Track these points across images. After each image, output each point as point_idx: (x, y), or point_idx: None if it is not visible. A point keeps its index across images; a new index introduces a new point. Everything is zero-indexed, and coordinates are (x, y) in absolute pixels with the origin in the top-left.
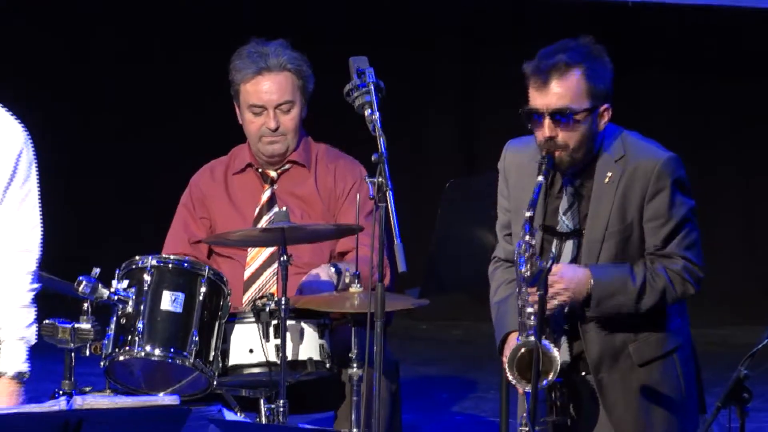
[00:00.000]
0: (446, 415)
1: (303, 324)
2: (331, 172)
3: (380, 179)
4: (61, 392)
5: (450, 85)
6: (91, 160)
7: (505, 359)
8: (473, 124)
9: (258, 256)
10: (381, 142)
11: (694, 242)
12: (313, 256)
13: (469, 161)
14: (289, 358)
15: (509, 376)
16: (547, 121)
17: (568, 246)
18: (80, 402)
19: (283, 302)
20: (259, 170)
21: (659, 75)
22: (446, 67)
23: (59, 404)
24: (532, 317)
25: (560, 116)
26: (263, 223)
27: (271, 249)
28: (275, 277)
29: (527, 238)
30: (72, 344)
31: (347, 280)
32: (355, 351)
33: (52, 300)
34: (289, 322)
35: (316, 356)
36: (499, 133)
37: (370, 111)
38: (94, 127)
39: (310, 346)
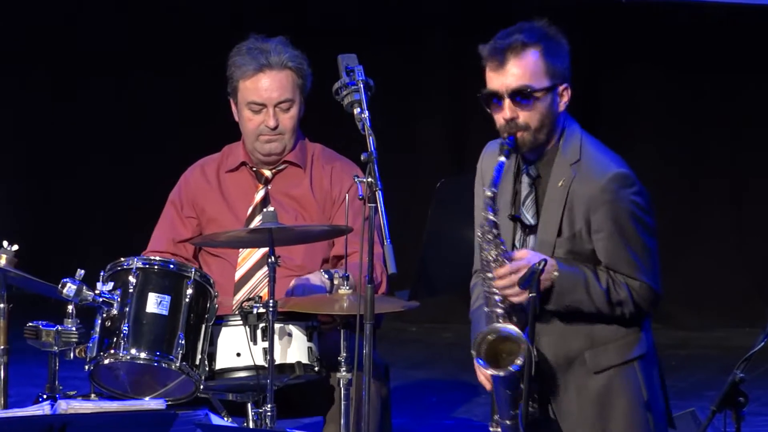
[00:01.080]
0: (436, 419)
1: (291, 327)
2: (327, 173)
3: (370, 179)
4: (45, 396)
5: (439, 83)
6: (75, 161)
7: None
8: (463, 122)
9: (249, 257)
10: (370, 141)
11: (647, 264)
12: (305, 259)
13: (459, 160)
14: (277, 361)
15: (475, 359)
16: (507, 101)
17: (531, 240)
18: (64, 406)
19: (271, 305)
20: (254, 169)
21: (652, 73)
22: (435, 66)
23: (43, 409)
24: (500, 305)
25: (520, 96)
26: (256, 222)
27: (263, 250)
28: (267, 279)
29: (491, 216)
30: (56, 347)
31: (336, 283)
32: (344, 354)
33: (36, 302)
34: (277, 325)
35: (305, 359)
36: (489, 132)
37: (359, 109)
38: (85, 128)
39: (298, 349)
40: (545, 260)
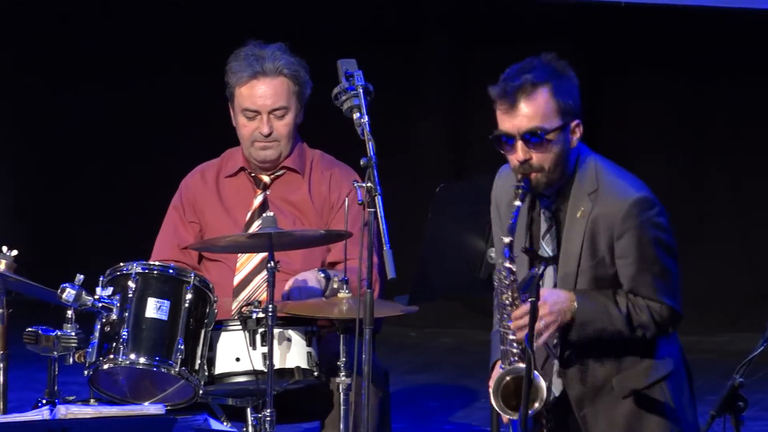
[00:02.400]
0: (436, 424)
1: (290, 331)
2: (326, 179)
3: (369, 184)
4: (44, 401)
5: (439, 87)
6: (75, 165)
7: (489, 388)
8: (462, 127)
9: (248, 262)
10: (370, 146)
11: (669, 285)
12: (304, 264)
13: (458, 165)
14: (277, 366)
15: (494, 404)
16: (519, 143)
17: (549, 272)
18: (64, 411)
19: (270, 309)
20: (252, 175)
21: (652, 76)
22: (435, 70)
23: (42, 413)
24: (515, 345)
25: (532, 137)
26: (254, 228)
27: (261, 255)
28: (266, 284)
29: (507, 263)
30: (55, 352)
31: (335, 286)
32: (344, 359)
33: (35, 307)
34: (276, 330)
35: (304, 364)
36: (488, 137)
37: (358, 114)
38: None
39: (297, 354)
40: (544, 265)
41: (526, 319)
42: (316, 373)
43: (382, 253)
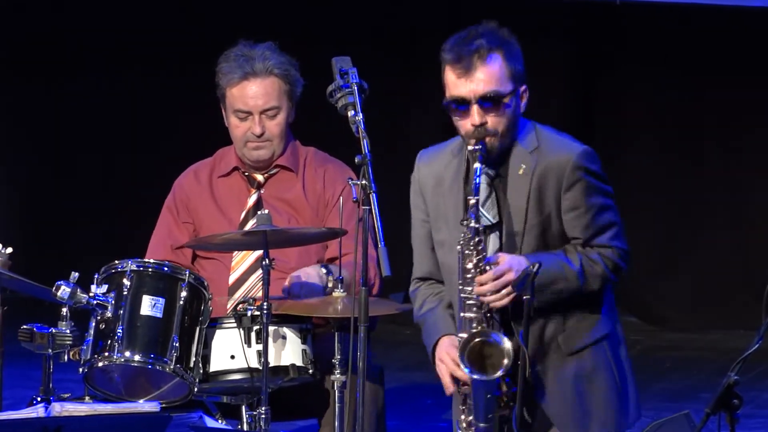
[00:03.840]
0: (431, 421)
1: (285, 329)
2: (320, 177)
3: (364, 181)
4: (39, 399)
5: (434, 85)
6: (69, 163)
7: (440, 361)
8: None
9: (243, 260)
10: (365, 144)
11: (617, 230)
12: (300, 262)
13: None
14: (272, 363)
15: (458, 364)
16: (475, 107)
17: (493, 240)
18: (59, 409)
19: (265, 307)
20: (246, 174)
21: (646, 74)
22: (430, 68)
23: (37, 411)
24: (474, 310)
25: (488, 101)
26: (249, 227)
27: (257, 253)
28: (261, 282)
29: (472, 223)
30: (50, 350)
31: (331, 285)
32: (339, 357)
33: (30, 305)
34: (271, 328)
35: (299, 362)
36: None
37: (353, 112)
38: (79, 131)
39: (292, 351)
40: (540, 263)
41: (491, 285)
42: (311, 371)
43: (378, 250)
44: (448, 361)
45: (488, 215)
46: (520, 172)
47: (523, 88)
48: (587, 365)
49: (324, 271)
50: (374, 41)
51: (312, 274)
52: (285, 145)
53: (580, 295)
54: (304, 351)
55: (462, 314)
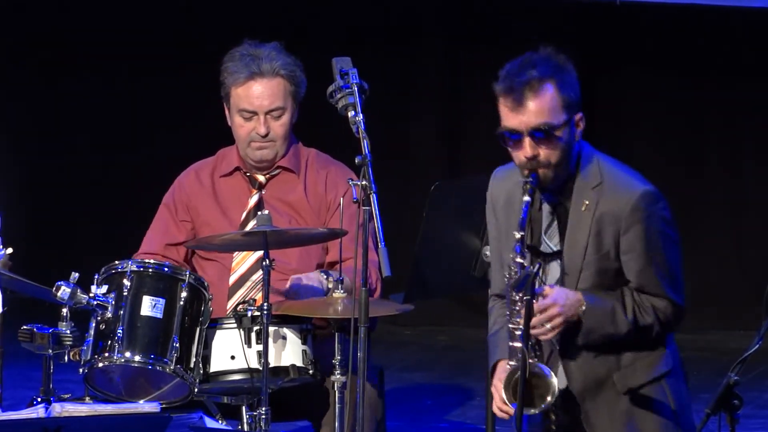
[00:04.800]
0: (431, 422)
1: (285, 330)
2: (321, 179)
3: (364, 182)
4: (39, 399)
5: (434, 86)
6: (69, 163)
7: (494, 388)
8: (457, 125)
9: (244, 261)
10: (365, 144)
11: (674, 280)
12: (300, 263)
13: (453, 163)
14: (272, 364)
15: (504, 398)
16: (527, 140)
17: (554, 267)
18: (59, 409)
19: (265, 308)
20: (248, 174)
21: (646, 75)
22: (430, 69)
23: (37, 411)
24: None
25: (540, 133)
26: (249, 228)
27: (257, 254)
28: (261, 283)
29: (518, 258)
30: (50, 350)
31: (330, 286)
32: (339, 357)
33: (30, 305)
34: (271, 328)
35: (299, 362)
36: (483, 135)
37: (353, 113)
38: (78, 130)
39: (292, 352)
40: (540, 264)
41: (539, 318)
42: (311, 371)
43: (378, 251)
44: (498, 388)
45: (550, 243)
46: (583, 208)
47: (579, 116)
48: (644, 403)
49: (324, 276)
50: (375, 42)
51: (312, 278)
52: (288, 146)
53: (636, 340)
54: (304, 351)
55: (511, 343)
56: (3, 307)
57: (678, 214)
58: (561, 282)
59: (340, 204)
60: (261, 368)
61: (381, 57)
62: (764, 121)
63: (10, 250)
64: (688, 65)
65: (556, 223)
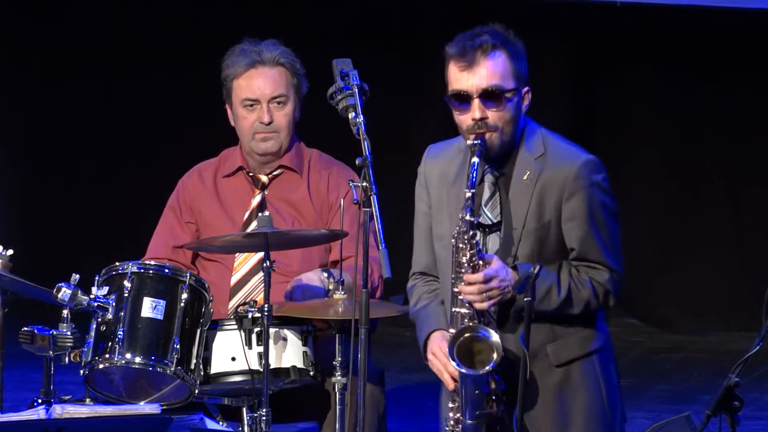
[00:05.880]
0: (432, 423)
1: (286, 331)
2: (324, 179)
3: (365, 183)
4: (40, 401)
5: (435, 87)
6: (70, 164)
7: (434, 358)
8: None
9: (245, 262)
10: (365, 146)
11: (613, 249)
12: (302, 265)
13: None
14: (272, 365)
15: (447, 357)
16: (476, 102)
17: (493, 239)
18: (59, 411)
19: (266, 309)
20: (251, 174)
21: (646, 76)
22: (431, 70)
23: (38, 413)
24: (467, 306)
25: (490, 96)
26: (252, 228)
27: (259, 255)
28: (263, 285)
29: (468, 216)
30: (51, 352)
31: (331, 287)
32: (340, 359)
33: (31, 307)
34: (272, 329)
35: (300, 364)
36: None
37: (354, 114)
38: (80, 132)
39: (293, 353)
40: (540, 265)
41: (477, 287)
42: (311, 373)
43: (378, 252)
44: (440, 356)
45: (490, 214)
46: (525, 178)
47: (525, 89)
48: (574, 378)
49: (326, 275)
50: (375, 43)
51: (313, 278)
52: (291, 142)
53: (571, 314)
54: (305, 353)
55: (453, 309)
56: (3, 308)
57: (677, 214)
58: (500, 253)
59: (341, 204)
60: (262, 370)
61: (381, 57)
62: (764, 122)
63: (10, 252)
64: (688, 66)
65: (497, 194)
